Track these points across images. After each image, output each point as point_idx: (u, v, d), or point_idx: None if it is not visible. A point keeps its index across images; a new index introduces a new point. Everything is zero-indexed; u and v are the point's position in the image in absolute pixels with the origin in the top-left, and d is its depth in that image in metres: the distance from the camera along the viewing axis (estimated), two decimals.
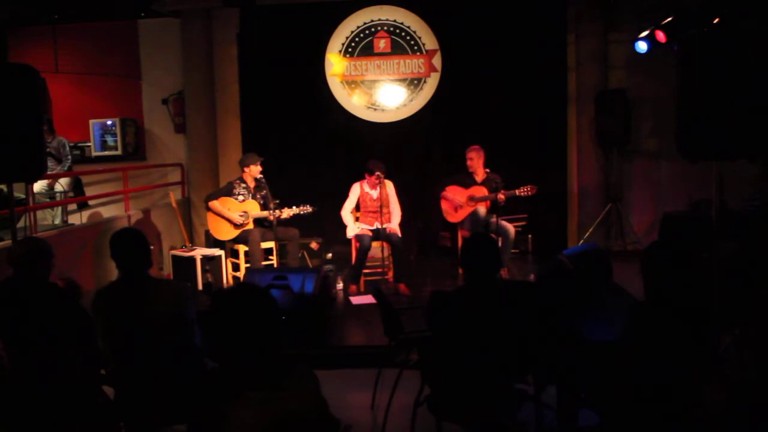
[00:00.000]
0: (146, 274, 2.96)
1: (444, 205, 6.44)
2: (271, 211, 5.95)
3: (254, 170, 6.17)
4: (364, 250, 5.96)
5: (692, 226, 5.98)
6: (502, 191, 6.03)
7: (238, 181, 6.27)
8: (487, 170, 6.22)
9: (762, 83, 3.35)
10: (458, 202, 6.30)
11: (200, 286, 6.11)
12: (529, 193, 6.01)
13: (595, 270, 3.76)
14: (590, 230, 7.20)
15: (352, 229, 6.12)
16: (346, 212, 6.22)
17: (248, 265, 6.08)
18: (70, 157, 7.22)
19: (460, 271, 5.81)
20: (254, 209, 6.18)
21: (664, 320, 2.41)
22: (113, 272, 3.14)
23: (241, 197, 6.21)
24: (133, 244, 2.94)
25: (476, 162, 6.25)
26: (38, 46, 8.03)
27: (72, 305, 2.94)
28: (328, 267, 6.61)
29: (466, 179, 6.37)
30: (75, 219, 7.34)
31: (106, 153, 7.94)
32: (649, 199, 7.55)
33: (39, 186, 6.82)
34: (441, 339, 2.84)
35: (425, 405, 2.99)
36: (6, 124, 3.59)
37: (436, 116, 7.66)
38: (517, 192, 6.01)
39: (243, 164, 6.24)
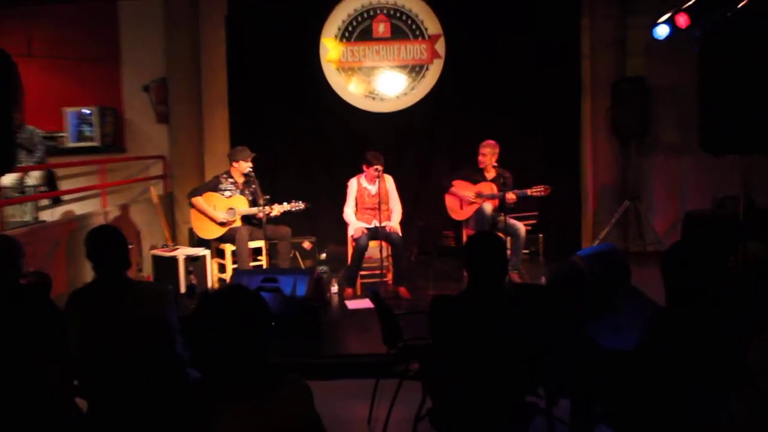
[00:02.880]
0: (124, 276, 2.94)
1: (448, 201, 6.43)
2: (261, 208, 5.94)
3: (244, 166, 6.16)
4: (361, 250, 5.95)
5: (717, 225, 5.97)
6: (513, 191, 6.01)
7: (224, 176, 6.25)
8: (496, 165, 6.20)
9: None
10: (467, 198, 6.27)
11: (183, 289, 6.10)
12: (542, 193, 5.99)
13: (612, 273, 3.76)
14: (606, 230, 7.19)
15: (355, 227, 6.10)
16: (348, 212, 6.20)
17: (235, 266, 6.07)
18: (42, 148, 7.19)
19: (465, 273, 5.79)
20: (242, 205, 6.16)
21: (687, 327, 2.40)
22: (88, 274, 3.12)
23: (228, 193, 6.20)
24: (110, 242, 2.92)
25: (489, 159, 6.22)
26: (8, 27, 8.00)
27: (43, 307, 2.91)
28: (322, 268, 6.60)
29: (474, 174, 6.35)
30: (47, 216, 7.30)
31: (82, 144, 7.90)
32: (670, 196, 7.55)
33: (8, 180, 6.79)
34: (444, 347, 2.83)
35: (427, 419, 2.98)
36: None
37: (439, 106, 7.65)
38: (528, 192, 6.00)
39: (233, 158, 6.23)
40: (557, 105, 7.44)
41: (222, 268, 6.34)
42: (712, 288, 2.41)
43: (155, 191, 7.04)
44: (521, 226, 6.13)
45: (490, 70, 7.44)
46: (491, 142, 6.28)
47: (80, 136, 7.93)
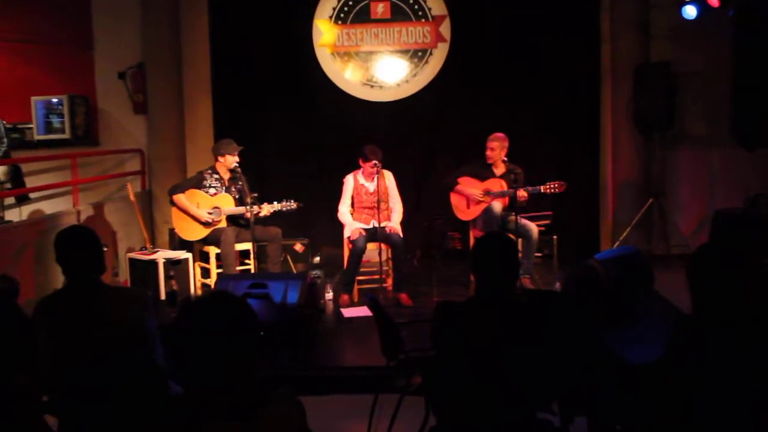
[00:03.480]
0: (98, 281, 2.95)
1: (454, 200, 6.44)
2: (248, 207, 5.95)
3: (230, 160, 6.17)
4: (358, 253, 5.96)
5: (748, 225, 5.98)
6: (524, 188, 6.01)
7: (209, 172, 6.26)
8: (505, 159, 6.21)
9: None
10: (474, 197, 6.28)
11: (163, 296, 6.11)
12: (557, 190, 6.00)
13: (633, 278, 3.76)
14: (627, 230, 7.20)
15: (351, 227, 6.10)
16: (344, 210, 6.21)
17: (220, 270, 6.08)
18: (6, 141, 7.20)
19: (472, 278, 5.80)
20: (228, 204, 6.17)
21: (716, 338, 2.41)
22: (59, 279, 3.13)
23: (212, 190, 6.21)
24: (82, 245, 2.93)
25: (498, 153, 6.22)
26: None
27: (9, 315, 2.92)
28: (316, 273, 6.61)
29: (482, 170, 6.36)
30: (13, 215, 7.32)
31: (51, 137, 7.91)
32: (697, 193, 7.56)
33: None
34: (449, 359, 2.84)
35: None
36: None
37: (443, 95, 7.66)
38: (542, 189, 6.00)
39: (218, 152, 6.24)
40: (574, 94, 7.45)
41: (206, 273, 6.34)
42: (744, 294, 2.42)
43: (132, 188, 7.04)
44: (533, 227, 6.14)
45: (500, 54, 7.45)
46: (500, 134, 6.28)
47: (49, 128, 7.93)
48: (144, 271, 6.24)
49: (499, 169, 6.33)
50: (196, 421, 1.77)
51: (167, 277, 6.16)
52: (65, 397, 2.85)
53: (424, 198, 7.60)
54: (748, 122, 6.71)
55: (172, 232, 6.91)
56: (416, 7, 7.68)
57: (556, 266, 7.14)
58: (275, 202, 6.09)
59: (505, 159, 6.21)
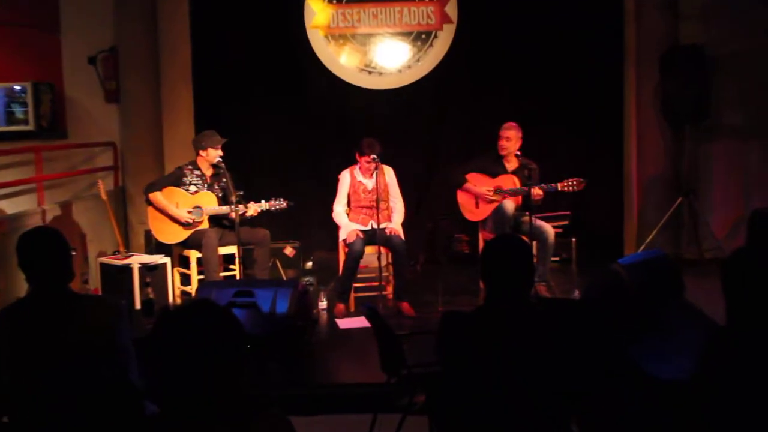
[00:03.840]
0: (66, 289, 2.94)
1: (462, 198, 6.45)
2: (233, 207, 5.94)
3: (213, 155, 6.17)
4: (355, 258, 5.96)
5: None
6: (539, 185, 6.01)
7: (189, 167, 6.26)
8: (518, 153, 6.20)
9: None
10: (484, 195, 6.27)
11: (138, 305, 6.10)
12: (576, 188, 6.00)
13: (661, 285, 3.77)
14: (654, 232, 7.20)
15: (348, 229, 6.09)
16: (339, 210, 6.21)
17: (202, 276, 6.08)
18: None
19: (482, 285, 5.80)
20: (210, 203, 6.17)
21: (754, 351, 2.41)
22: (22, 287, 3.12)
23: (193, 188, 6.21)
24: (48, 248, 2.92)
25: (513, 144, 6.22)
26: None
27: None
28: (308, 280, 6.61)
29: (492, 165, 6.36)
30: None
31: (13, 128, 7.90)
32: (732, 191, 7.56)
33: None
34: (456, 375, 2.84)
35: None
36: None
37: (450, 82, 7.66)
38: (559, 186, 6.01)
39: (199, 146, 6.24)
40: (594, 80, 7.45)
41: (186, 280, 6.34)
42: None
43: (104, 185, 7.04)
44: (549, 228, 6.14)
45: (512, 37, 7.45)
46: (514, 124, 6.28)
47: (10, 119, 7.92)
48: (117, 277, 6.23)
49: (512, 164, 6.33)
50: None
51: (143, 285, 6.15)
52: (28, 419, 2.84)
53: (428, 196, 7.60)
54: None
55: (148, 235, 6.91)
56: None
57: (575, 272, 7.15)
58: (263, 201, 6.09)
59: (519, 153, 6.21)
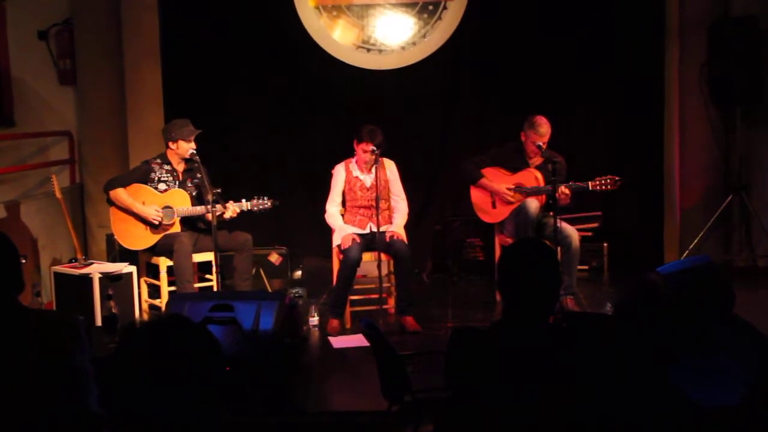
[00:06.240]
0: (14, 303, 2.94)
1: (476, 197, 6.45)
2: (209, 207, 5.95)
3: (185, 147, 6.17)
4: (351, 266, 5.96)
5: None
6: (566, 183, 6.00)
7: (158, 161, 6.27)
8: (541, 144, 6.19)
9: None
10: (503, 193, 6.26)
11: (99, 321, 6.11)
12: (609, 187, 5.99)
13: (707, 296, 3.77)
14: (699, 236, 7.20)
15: (343, 233, 6.10)
16: (333, 211, 6.22)
17: (173, 288, 6.09)
18: None
19: (498, 298, 5.80)
20: (183, 203, 6.18)
21: None
22: None
23: (162, 185, 6.22)
24: None
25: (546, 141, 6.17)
26: None
27: None
28: (297, 291, 6.60)
29: (513, 158, 6.35)
30: None
31: None
32: None
33: None
34: (467, 402, 2.84)
35: None
36: None
37: (461, 61, 7.67)
38: (590, 185, 6.00)
39: (169, 137, 6.25)
40: (630, 59, 7.44)
41: (155, 291, 6.35)
42: None
43: (58, 182, 7.04)
44: (573, 232, 6.11)
45: (534, 8, 7.45)
46: (545, 119, 6.18)
47: None
48: (74, 289, 6.23)
49: (535, 158, 6.32)
50: None
51: (104, 298, 6.14)
52: None
53: (436, 195, 7.61)
54: None
55: (110, 239, 6.91)
56: None
57: (607, 282, 7.15)
58: (244, 200, 6.09)
59: (542, 145, 6.16)
